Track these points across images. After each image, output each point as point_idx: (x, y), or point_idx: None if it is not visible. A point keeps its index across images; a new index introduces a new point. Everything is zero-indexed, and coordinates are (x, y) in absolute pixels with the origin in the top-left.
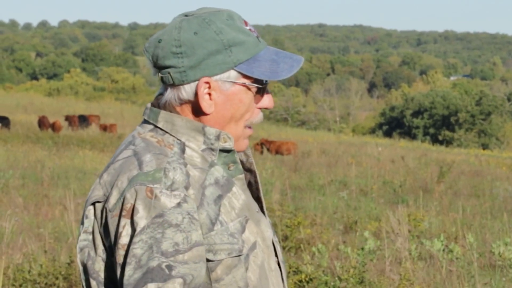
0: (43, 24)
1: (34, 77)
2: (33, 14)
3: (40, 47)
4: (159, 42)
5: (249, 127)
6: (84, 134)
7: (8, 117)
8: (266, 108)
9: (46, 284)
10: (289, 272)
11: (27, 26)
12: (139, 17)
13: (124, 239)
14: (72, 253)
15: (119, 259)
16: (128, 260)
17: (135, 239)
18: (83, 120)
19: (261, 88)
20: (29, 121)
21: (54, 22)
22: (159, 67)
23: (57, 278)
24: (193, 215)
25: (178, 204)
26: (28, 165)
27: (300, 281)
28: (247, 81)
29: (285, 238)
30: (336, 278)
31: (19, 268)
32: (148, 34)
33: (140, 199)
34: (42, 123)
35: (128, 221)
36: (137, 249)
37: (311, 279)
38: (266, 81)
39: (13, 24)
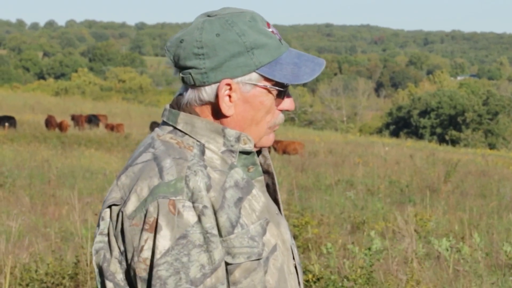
0: (50, 24)
1: (41, 76)
2: (40, 14)
3: (47, 47)
4: (181, 42)
5: (275, 125)
6: (91, 134)
7: (15, 116)
8: (287, 110)
9: (53, 283)
10: None
11: (34, 26)
12: (146, 16)
13: (145, 253)
14: (78, 253)
15: (140, 272)
16: (153, 281)
17: (160, 261)
18: (93, 119)
19: (282, 91)
20: (36, 121)
21: (61, 21)
22: (180, 67)
23: (64, 278)
24: (212, 232)
25: (199, 219)
26: (35, 165)
27: (307, 281)
28: (268, 84)
29: (293, 238)
30: (344, 278)
31: (26, 268)
32: (155, 34)
33: (163, 215)
34: (49, 122)
35: (151, 235)
36: (162, 271)
37: (318, 279)
38: (287, 84)
39: (20, 24)
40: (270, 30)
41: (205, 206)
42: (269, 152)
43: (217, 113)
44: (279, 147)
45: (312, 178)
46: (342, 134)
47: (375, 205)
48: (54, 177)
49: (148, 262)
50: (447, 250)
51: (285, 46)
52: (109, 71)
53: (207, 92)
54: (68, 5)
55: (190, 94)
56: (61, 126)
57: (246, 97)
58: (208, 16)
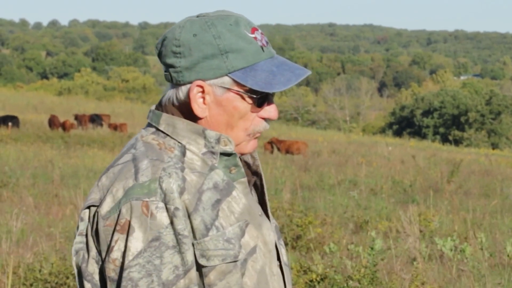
0: (54, 24)
1: (44, 76)
2: (43, 13)
3: (50, 47)
4: (164, 40)
5: (256, 133)
6: (94, 134)
7: (18, 116)
8: (269, 119)
9: (56, 283)
10: (299, 272)
11: (38, 26)
12: (149, 16)
13: (115, 254)
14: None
15: (108, 272)
16: (124, 283)
17: (132, 263)
18: (96, 119)
19: (257, 98)
20: (39, 121)
21: (64, 21)
22: (163, 64)
23: (67, 277)
24: (184, 233)
25: (172, 221)
26: (39, 165)
27: (311, 280)
28: (241, 90)
29: (296, 237)
30: (348, 278)
31: (30, 268)
32: (158, 34)
33: (136, 217)
34: (53, 122)
35: (122, 236)
36: (134, 273)
37: (322, 279)
38: (262, 91)
39: (23, 23)
40: (253, 36)
41: (176, 208)
42: (272, 152)
43: (191, 114)
44: (282, 146)
45: (316, 178)
46: (345, 134)
47: (378, 204)
48: (57, 177)
49: (117, 263)
50: (451, 250)
51: (268, 53)
52: (112, 70)
53: (183, 92)
54: (71, 4)
55: (170, 92)
56: (64, 126)
57: (219, 100)
58: (197, 16)
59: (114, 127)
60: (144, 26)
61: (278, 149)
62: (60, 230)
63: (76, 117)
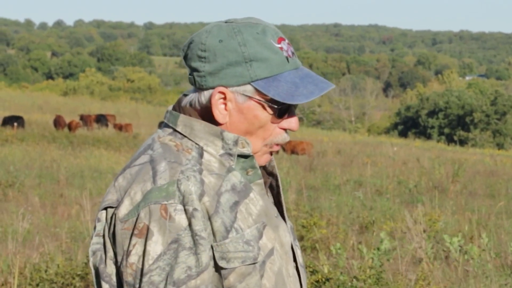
0: (59, 24)
1: (49, 76)
2: (48, 13)
3: (55, 47)
4: (190, 43)
5: (274, 145)
6: (100, 134)
7: (23, 116)
8: (289, 130)
9: (63, 283)
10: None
11: (43, 26)
12: (154, 16)
13: (132, 258)
14: (88, 253)
15: (126, 276)
16: (145, 287)
17: (152, 266)
18: (102, 119)
19: (278, 109)
20: (44, 121)
21: (69, 21)
22: (188, 66)
23: (74, 278)
24: (201, 234)
25: (190, 222)
26: (44, 165)
27: (317, 281)
28: (262, 99)
29: (301, 238)
30: (353, 278)
31: (36, 268)
32: (163, 34)
33: (155, 221)
34: (58, 122)
35: (140, 240)
36: (155, 276)
37: (327, 280)
38: (284, 102)
39: (28, 23)
40: (279, 46)
41: (195, 209)
42: (277, 152)
43: (212, 119)
44: (288, 147)
45: (321, 178)
46: (350, 134)
47: (383, 205)
48: (63, 177)
49: (134, 267)
50: (456, 251)
51: (293, 64)
52: (118, 71)
53: (205, 96)
54: (77, 5)
55: (192, 95)
56: (70, 126)
57: (241, 108)
58: (225, 22)
59: (119, 127)
60: (149, 26)
61: (283, 149)
62: (66, 230)
63: (82, 117)
